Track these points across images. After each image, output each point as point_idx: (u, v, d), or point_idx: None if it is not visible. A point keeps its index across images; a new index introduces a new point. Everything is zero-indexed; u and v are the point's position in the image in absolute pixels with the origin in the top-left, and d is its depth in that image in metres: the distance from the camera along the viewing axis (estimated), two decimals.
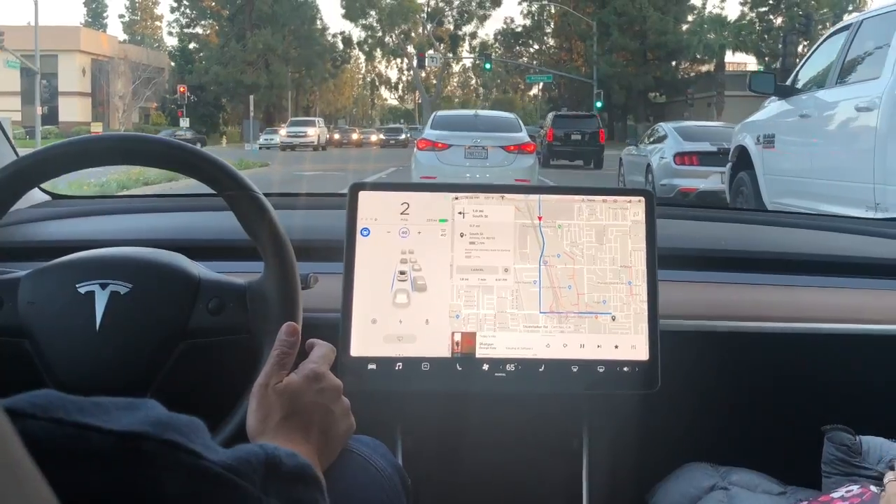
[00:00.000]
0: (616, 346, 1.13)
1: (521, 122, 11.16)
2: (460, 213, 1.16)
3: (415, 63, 53.60)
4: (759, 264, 1.45)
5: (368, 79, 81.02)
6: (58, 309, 0.95)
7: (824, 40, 6.36)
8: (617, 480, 1.37)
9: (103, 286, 0.95)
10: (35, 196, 1.59)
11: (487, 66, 47.14)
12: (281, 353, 0.85)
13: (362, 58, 71.01)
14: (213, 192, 0.98)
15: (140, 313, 0.95)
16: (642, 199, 1.18)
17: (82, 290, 0.95)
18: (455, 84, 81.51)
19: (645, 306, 1.14)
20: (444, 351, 1.12)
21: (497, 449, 1.40)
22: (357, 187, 1.16)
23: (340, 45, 63.17)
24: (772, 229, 1.65)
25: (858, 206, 4.65)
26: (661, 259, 1.17)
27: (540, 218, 1.16)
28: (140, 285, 0.96)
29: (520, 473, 1.40)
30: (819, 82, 5.99)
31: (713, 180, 9.50)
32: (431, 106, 70.66)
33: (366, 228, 1.14)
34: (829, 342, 1.35)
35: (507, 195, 1.17)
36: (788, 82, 6.45)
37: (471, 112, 12.21)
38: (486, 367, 1.12)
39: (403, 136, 43.78)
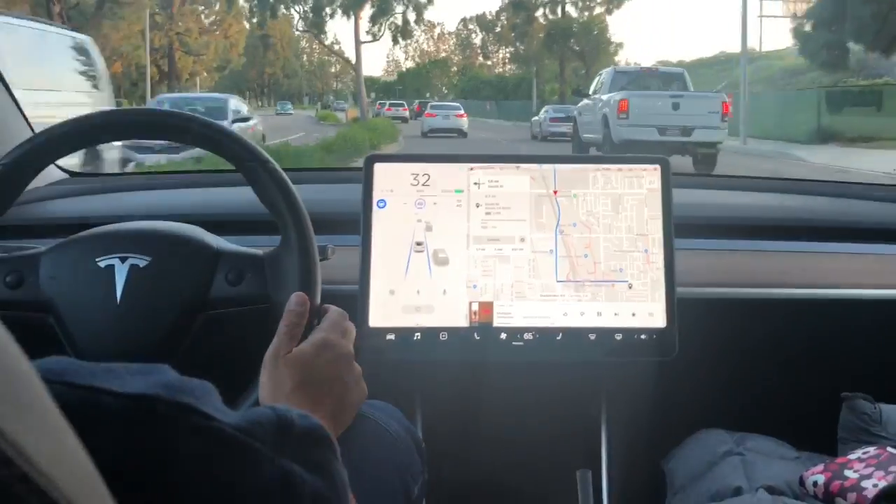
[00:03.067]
0: (633, 314, 1.14)
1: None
2: (476, 183, 1.16)
3: None
4: (776, 231, 1.45)
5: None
6: (79, 284, 0.96)
7: (597, 77, 16.07)
8: (634, 446, 1.38)
9: (122, 260, 0.96)
10: (52, 174, 1.60)
11: None
12: (290, 323, 0.85)
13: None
14: (229, 167, 0.98)
15: (160, 285, 0.96)
16: (658, 167, 1.17)
17: (102, 265, 0.96)
18: (452, 45, 76.56)
19: (661, 274, 1.15)
20: (461, 321, 1.13)
21: (515, 417, 1.41)
22: (373, 159, 1.16)
23: None
24: (789, 196, 1.64)
25: (597, 139, 13.34)
26: (678, 227, 1.17)
27: (555, 192, 1.17)
28: (159, 258, 0.97)
29: (538, 442, 1.41)
30: (594, 92, 15.12)
31: (563, 128, 20.15)
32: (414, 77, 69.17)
33: (382, 200, 1.15)
34: (847, 308, 1.35)
35: (522, 165, 1.17)
36: (590, 91, 15.81)
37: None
38: (503, 336, 1.13)
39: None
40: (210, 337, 0.99)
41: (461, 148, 16.39)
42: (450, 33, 77.91)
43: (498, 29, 65.48)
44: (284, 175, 0.96)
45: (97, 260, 0.97)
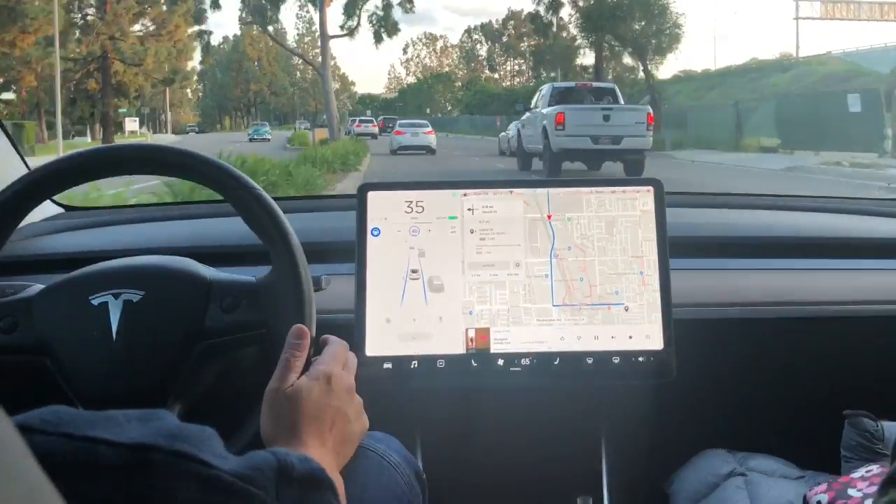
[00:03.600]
0: (630, 337, 1.13)
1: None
2: (469, 209, 1.16)
3: None
4: (772, 249, 1.45)
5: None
6: (73, 324, 0.96)
7: (538, 92, 17.58)
8: (635, 469, 1.37)
9: (116, 296, 0.96)
10: (48, 209, 1.60)
11: None
12: (290, 355, 0.85)
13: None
14: (220, 198, 0.98)
15: (155, 319, 0.96)
16: (651, 188, 1.18)
17: (95, 303, 0.96)
18: (456, 58, 74.35)
19: (658, 296, 1.14)
20: (458, 348, 1.12)
21: (515, 444, 1.40)
22: (366, 188, 1.16)
23: None
24: (784, 213, 1.64)
25: (538, 149, 14.92)
26: (673, 247, 1.17)
27: (549, 217, 1.17)
28: (152, 291, 0.97)
29: (539, 466, 1.40)
30: (535, 106, 16.54)
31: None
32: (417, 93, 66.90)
33: (376, 228, 1.15)
34: (845, 325, 1.34)
35: (515, 190, 1.17)
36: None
37: None
38: (501, 362, 1.12)
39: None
40: (208, 367, 0.98)
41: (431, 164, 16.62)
42: (453, 46, 76.98)
43: (505, 39, 63.90)
44: (271, 200, 0.96)
45: (90, 298, 0.96)
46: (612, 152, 14.03)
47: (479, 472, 1.40)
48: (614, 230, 1.17)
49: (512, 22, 61.25)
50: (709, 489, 1.20)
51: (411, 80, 77.64)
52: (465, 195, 1.17)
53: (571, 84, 19.34)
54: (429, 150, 23.87)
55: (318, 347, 0.90)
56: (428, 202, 1.16)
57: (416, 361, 1.12)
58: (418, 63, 79.08)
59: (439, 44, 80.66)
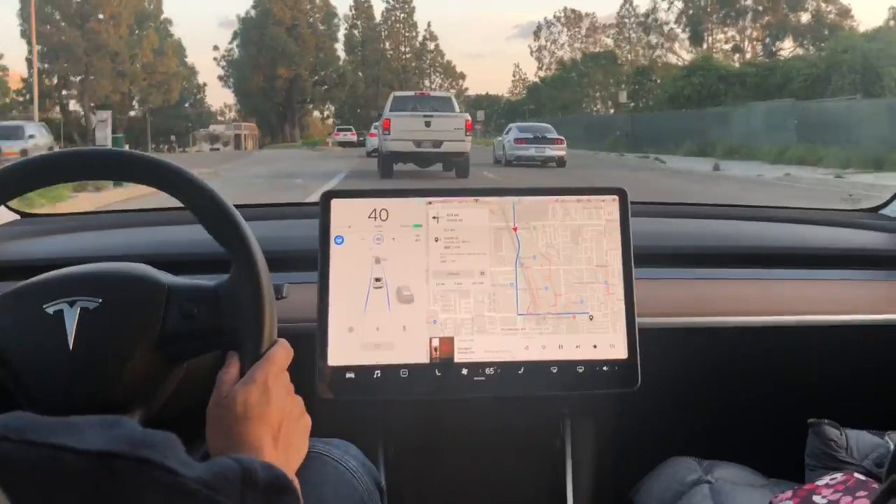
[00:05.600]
0: (595, 346, 1.13)
1: None
2: (434, 217, 1.15)
3: None
4: (736, 259, 1.46)
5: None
6: (28, 333, 0.93)
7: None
8: (601, 478, 1.37)
9: (71, 304, 0.94)
10: (2, 215, 1.57)
11: None
12: (222, 373, 0.85)
13: None
14: (180, 205, 0.96)
15: (112, 326, 0.94)
16: (616, 198, 1.17)
17: (50, 311, 0.93)
18: (611, 39, 54.68)
19: (622, 305, 1.14)
20: (422, 357, 1.11)
21: (480, 451, 1.39)
22: (329, 195, 1.15)
23: None
24: (748, 224, 1.66)
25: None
26: (638, 257, 1.17)
27: (515, 229, 1.16)
28: (109, 298, 0.94)
29: (504, 475, 1.39)
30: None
31: (531, 151, 21.20)
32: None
33: (339, 236, 1.13)
34: (808, 334, 1.35)
35: (480, 198, 1.16)
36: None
37: None
38: (465, 371, 1.11)
39: None
40: (169, 374, 0.97)
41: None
42: (608, 26, 56.95)
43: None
44: (231, 205, 0.94)
45: (45, 306, 0.94)
46: (434, 154, 16.10)
47: (442, 480, 1.39)
48: (580, 239, 1.17)
49: None
50: (675, 497, 1.20)
51: (541, 74, 58.49)
52: (429, 203, 1.16)
53: (411, 93, 21.43)
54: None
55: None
56: (392, 210, 1.15)
57: (378, 371, 1.10)
58: (550, 53, 59.23)
59: (585, 24, 58.87)
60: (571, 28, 59.22)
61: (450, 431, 1.36)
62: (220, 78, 53.03)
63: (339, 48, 54.89)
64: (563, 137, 22.61)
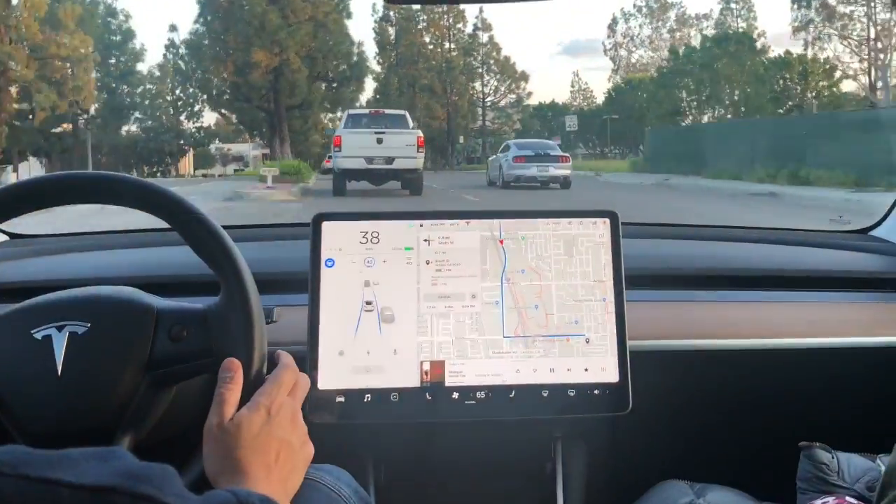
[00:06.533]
0: (586, 369, 1.12)
1: None
2: (426, 240, 1.15)
3: None
4: (726, 281, 1.46)
5: None
6: (15, 358, 0.93)
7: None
8: (592, 501, 1.36)
9: (60, 328, 0.93)
10: None
11: None
12: (224, 389, 0.83)
13: None
14: (167, 226, 0.96)
15: (101, 351, 0.93)
16: (607, 220, 1.17)
17: (39, 336, 0.93)
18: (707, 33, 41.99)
19: (614, 328, 1.14)
20: (413, 381, 1.10)
21: (471, 475, 1.38)
22: (321, 217, 1.14)
23: None
24: (740, 245, 1.66)
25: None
26: (628, 279, 1.17)
27: (501, 242, 1.15)
28: (97, 322, 0.94)
29: (495, 498, 1.39)
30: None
31: (532, 170, 18.79)
32: None
33: (330, 259, 1.13)
34: (798, 357, 1.35)
35: (472, 221, 1.16)
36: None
37: None
38: (455, 395, 1.11)
39: None
40: (157, 397, 0.96)
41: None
42: (703, 15, 47.60)
43: None
44: (220, 228, 0.94)
45: (32, 332, 0.93)
46: (387, 171, 16.14)
47: None
48: (574, 251, 1.14)
49: None
50: None
51: (623, 74, 48.14)
52: (420, 226, 1.15)
53: (366, 111, 21.68)
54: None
55: (272, 366, 0.89)
56: (383, 233, 1.14)
57: (369, 395, 1.10)
58: (630, 50, 48.79)
59: (671, 14, 47.38)
60: (655, 20, 47.69)
61: (440, 455, 1.35)
62: (178, 72, 39.46)
63: (357, 34, 43.04)
64: (567, 155, 20.85)
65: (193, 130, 43.30)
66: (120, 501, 0.49)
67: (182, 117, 42.33)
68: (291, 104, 35.19)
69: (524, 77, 48.43)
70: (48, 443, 0.54)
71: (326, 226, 1.14)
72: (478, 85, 48.42)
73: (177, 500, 0.52)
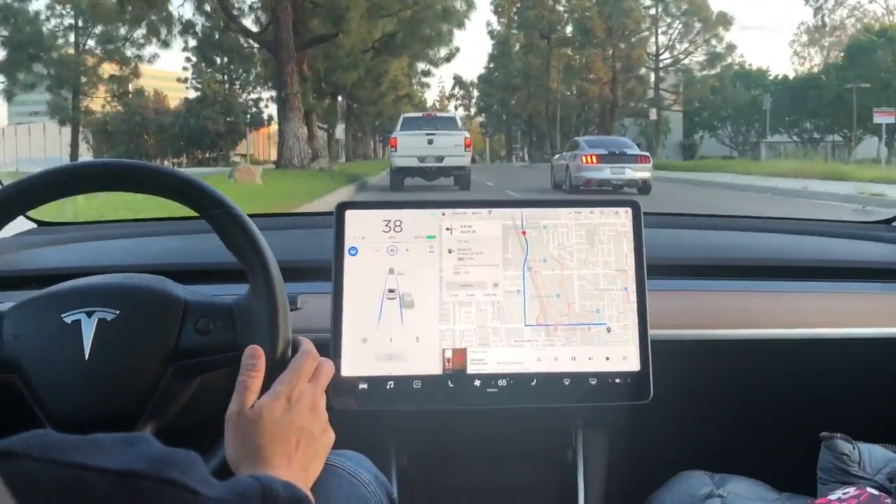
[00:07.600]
0: (607, 358, 1.13)
1: None
2: (448, 229, 1.16)
3: None
4: (750, 271, 1.45)
5: None
6: (44, 341, 0.94)
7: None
8: (612, 490, 1.36)
9: (89, 314, 0.95)
10: (21, 224, 1.58)
11: None
12: (245, 377, 0.84)
13: None
14: (195, 214, 0.97)
15: (128, 338, 0.94)
16: (629, 209, 1.17)
17: (68, 320, 0.94)
18: None
19: (636, 316, 1.14)
20: (435, 368, 1.11)
21: (492, 463, 1.39)
22: (343, 206, 1.15)
23: None
24: (762, 235, 1.65)
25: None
26: (650, 268, 1.17)
27: (524, 233, 1.15)
28: (126, 310, 0.95)
29: (515, 487, 1.39)
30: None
31: (606, 172, 16.25)
32: None
33: (353, 247, 1.14)
34: (822, 347, 1.35)
35: (494, 210, 1.17)
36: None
37: None
38: (477, 382, 1.11)
39: None
40: (180, 388, 0.97)
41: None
42: None
43: None
44: (250, 221, 0.95)
45: (63, 316, 0.95)
46: (438, 169, 17.66)
47: (454, 492, 1.39)
48: (596, 240, 1.14)
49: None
50: None
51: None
52: (443, 215, 1.16)
53: (419, 114, 22.53)
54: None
55: (293, 353, 0.90)
56: (406, 221, 1.15)
57: (391, 382, 1.11)
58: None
59: None
60: None
61: (462, 442, 1.36)
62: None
63: None
64: (647, 154, 17.54)
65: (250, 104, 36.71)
66: (146, 486, 0.50)
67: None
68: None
69: (725, 20, 32.10)
70: (72, 426, 0.56)
71: (350, 214, 1.15)
72: (653, 39, 32.85)
73: (201, 486, 0.53)
